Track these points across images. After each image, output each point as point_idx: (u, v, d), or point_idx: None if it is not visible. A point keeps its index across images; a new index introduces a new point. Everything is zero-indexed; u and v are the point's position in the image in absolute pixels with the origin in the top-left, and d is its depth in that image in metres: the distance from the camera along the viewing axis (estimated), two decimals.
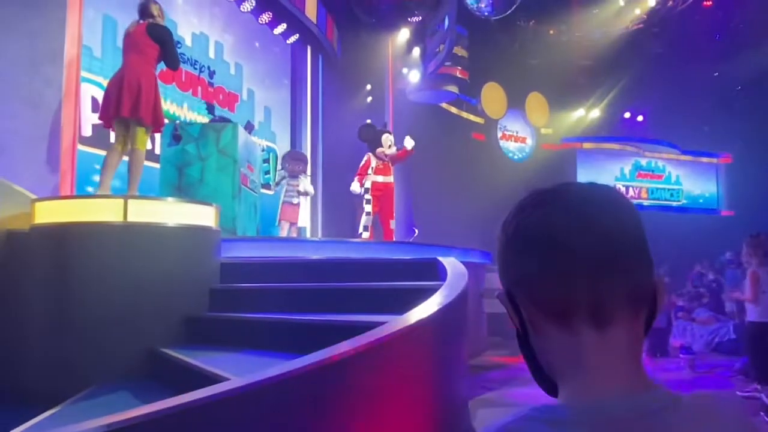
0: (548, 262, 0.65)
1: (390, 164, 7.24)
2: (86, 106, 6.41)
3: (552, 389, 0.70)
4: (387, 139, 7.22)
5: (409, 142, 7.25)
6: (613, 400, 0.62)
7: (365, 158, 7.13)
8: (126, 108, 4.44)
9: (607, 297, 0.64)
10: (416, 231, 9.90)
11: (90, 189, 5.89)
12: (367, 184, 7.02)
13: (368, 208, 6.97)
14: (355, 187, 7.02)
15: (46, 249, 3.62)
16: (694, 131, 15.74)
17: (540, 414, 0.63)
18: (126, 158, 4.67)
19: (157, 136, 5.90)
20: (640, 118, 16.86)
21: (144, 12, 4.78)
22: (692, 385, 5.52)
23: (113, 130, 4.71)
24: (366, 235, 6.90)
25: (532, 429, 0.62)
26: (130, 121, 4.54)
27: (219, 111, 8.20)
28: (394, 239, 7.17)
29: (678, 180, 17.11)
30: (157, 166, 5.82)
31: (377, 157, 7.11)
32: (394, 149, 7.26)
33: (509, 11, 10.85)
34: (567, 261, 0.64)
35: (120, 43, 4.86)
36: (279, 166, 8.80)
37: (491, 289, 7.60)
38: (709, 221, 16.01)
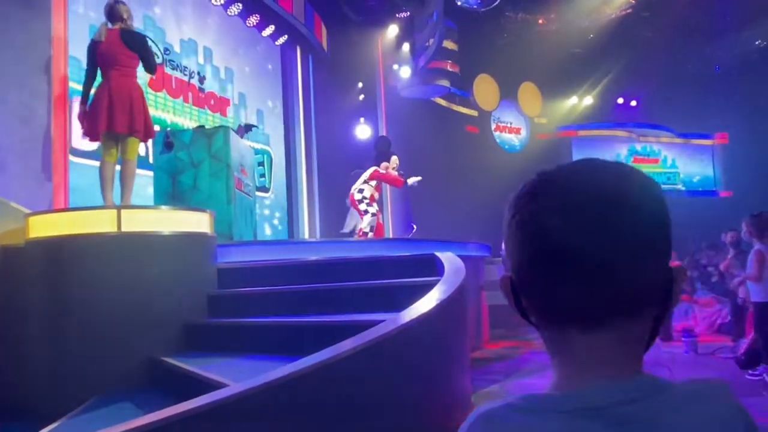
0: (538, 262, 0.61)
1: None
2: (76, 117, 6.39)
3: None
4: (394, 160, 7.72)
5: (412, 180, 7.70)
6: (593, 389, 0.60)
7: (383, 169, 7.50)
8: (121, 124, 4.43)
9: (598, 304, 0.60)
10: (414, 227, 9.88)
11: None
12: (366, 193, 7.23)
13: (372, 209, 7.21)
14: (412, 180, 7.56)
15: (41, 263, 3.62)
16: (688, 113, 15.72)
17: (522, 402, 0.63)
18: (118, 168, 4.65)
19: (149, 143, 5.88)
20: (633, 103, 16.84)
21: (112, 15, 4.62)
22: (695, 368, 5.53)
23: (100, 142, 4.65)
24: (371, 235, 7.02)
25: (509, 417, 0.62)
26: (121, 135, 4.52)
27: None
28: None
29: (674, 163, 17.11)
30: (151, 174, 5.80)
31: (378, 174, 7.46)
32: (395, 173, 7.66)
33: (497, 2, 10.81)
34: (557, 265, 0.60)
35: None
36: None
37: (492, 282, 7.61)
38: (708, 203, 16.00)
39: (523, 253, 0.62)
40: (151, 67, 4.70)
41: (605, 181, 0.61)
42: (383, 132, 11.03)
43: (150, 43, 4.78)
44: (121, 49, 4.51)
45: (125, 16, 4.63)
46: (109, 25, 4.62)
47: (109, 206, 4.20)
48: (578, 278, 0.59)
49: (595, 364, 0.62)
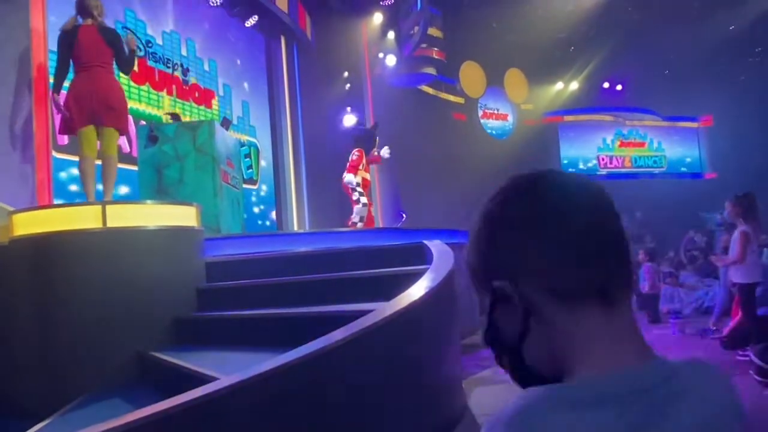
0: (566, 243, 0.64)
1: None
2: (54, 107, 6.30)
3: (535, 382, 0.64)
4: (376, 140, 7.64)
5: (385, 152, 7.62)
6: (628, 372, 0.61)
7: (358, 153, 7.28)
8: (107, 119, 4.46)
9: (616, 277, 0.66)
10: (404, 216, 9.88)
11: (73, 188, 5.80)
12: (358, 179, 7.18)
13: (364, 199, 7.16)
14: (351, 178, 7.15)
15: (27, 261, 3.58)
16: (674, 97, 15.79)
17: (557, 392, 0.60)
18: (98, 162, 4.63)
19: (133, 138, 5.83)
20: (619, 87, 16.87)
21: (84, 9, 4.53)
22: (683, 349, 5.59)
23: (74, 136, 4.63)
24: (361, 225, 7.00)
25: (551, 415, 0.57)
26: (99, 128, 4.50)
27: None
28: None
29: (660, 146, 17.20)
30: (136, 168, 5.75)
31: (366, 156, 7.35)
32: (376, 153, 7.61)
33: None
34: (584, 241, 0.64)
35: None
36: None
37: None
38: (693, 185, 16.13)
39: (544, 241, 0.65)
40: (125, 65, 4.67)
41: (584, 177, 0.71)
42: (370, 121, 10.99)
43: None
44: (102, 46, 4.49)
45: (95, 13, 4.55)
46: (80, 20, 4.54)
47: (93, 202, 4.17)
48: (602, 251, 0.65)
49: (620, 346, 0.64)
